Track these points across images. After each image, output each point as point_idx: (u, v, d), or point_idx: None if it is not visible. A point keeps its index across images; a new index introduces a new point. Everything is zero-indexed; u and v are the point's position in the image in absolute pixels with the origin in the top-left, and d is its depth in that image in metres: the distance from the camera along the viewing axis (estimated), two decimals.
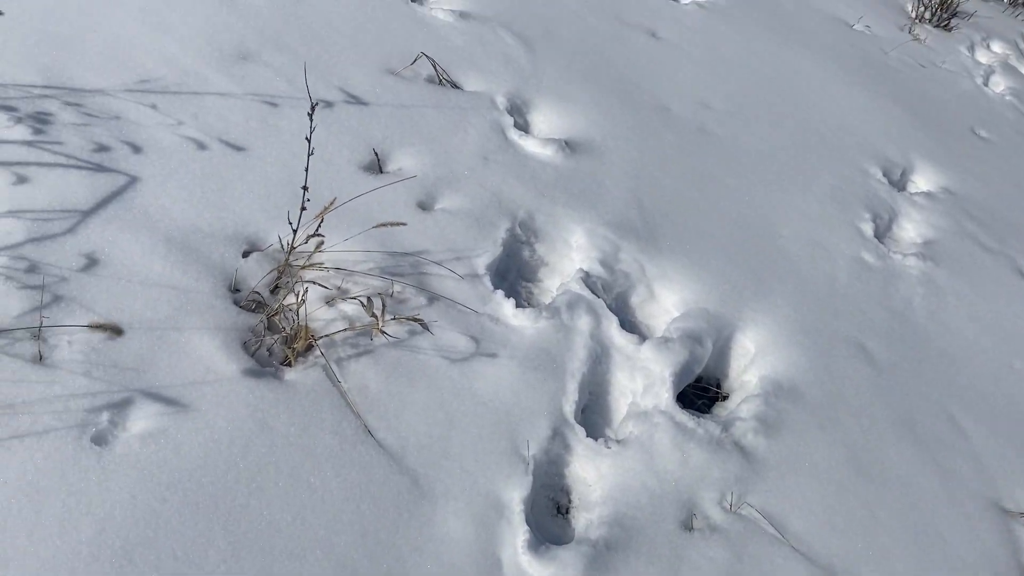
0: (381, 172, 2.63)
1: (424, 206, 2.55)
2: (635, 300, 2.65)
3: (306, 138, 1.84)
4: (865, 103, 4.36)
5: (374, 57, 3.10)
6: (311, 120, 1.81)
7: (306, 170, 1.92)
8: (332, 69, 2.93)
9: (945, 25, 6.13)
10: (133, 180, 2.17)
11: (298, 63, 2.87)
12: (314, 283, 2.00)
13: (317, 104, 1.83)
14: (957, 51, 5.77)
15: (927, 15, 6.08)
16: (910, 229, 3.50)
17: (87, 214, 2.01)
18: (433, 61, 3.11)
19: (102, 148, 2.21)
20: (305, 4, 3.21)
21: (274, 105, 2.64)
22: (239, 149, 2.40)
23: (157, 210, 2.12)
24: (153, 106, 2.41)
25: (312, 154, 1.89)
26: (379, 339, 2.04)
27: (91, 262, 1.91)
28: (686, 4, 4.74)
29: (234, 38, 2.85)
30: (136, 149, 2.26)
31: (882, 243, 3.28)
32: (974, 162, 4.21)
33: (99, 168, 2.15)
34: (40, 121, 2.20)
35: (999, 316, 3.10)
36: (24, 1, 2.60)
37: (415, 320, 1.97)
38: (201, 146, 2.35)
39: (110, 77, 2.46)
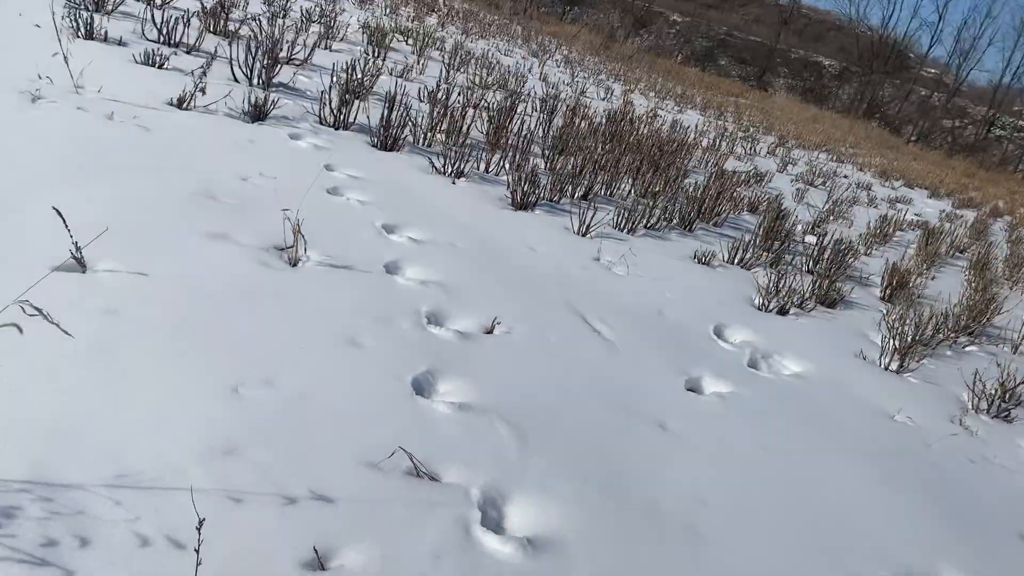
0: (322, 569, 2.71)
1: None
2: None
3: (197, 544, 1.98)
4: (891, 502, 4.19)
5: (359, 450, 3.33)
6: (198, 532, 1.97)
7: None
8: (311, 462, 3.16)
9: (1006, 416, 5.96)
10: (68, 575, 2.35)
11: (280, 458, 3.12)
12: None
13: (202, 523, 2.00)
14: (1016, 444, 5.54)
15: (983, 404, 5.95)
16: None
17: None
18: (410, 455, 3.31)
19: (51, 543, 2.43)
20: (309, 399, 3.56)
21: (238, 501, 2.85)
22: (181, 547, 2.56)
23: None
24: (118, 502, 2.67)
25: (200, 564, 2.02)
26: None
27: None
28: (706, 396, 4.90)
29: (226, 434, 3.17)
30: (84, 543, 2.47)
31: None
32: (1017, 573, 3.86)
33: (41, 562, 2.36)
34: (6, 516, 2.47)
35: None
36: (35, 397, 3.03)
37: None
38: (145, 542, 2.54)
39: (92, 472, 2.76)
